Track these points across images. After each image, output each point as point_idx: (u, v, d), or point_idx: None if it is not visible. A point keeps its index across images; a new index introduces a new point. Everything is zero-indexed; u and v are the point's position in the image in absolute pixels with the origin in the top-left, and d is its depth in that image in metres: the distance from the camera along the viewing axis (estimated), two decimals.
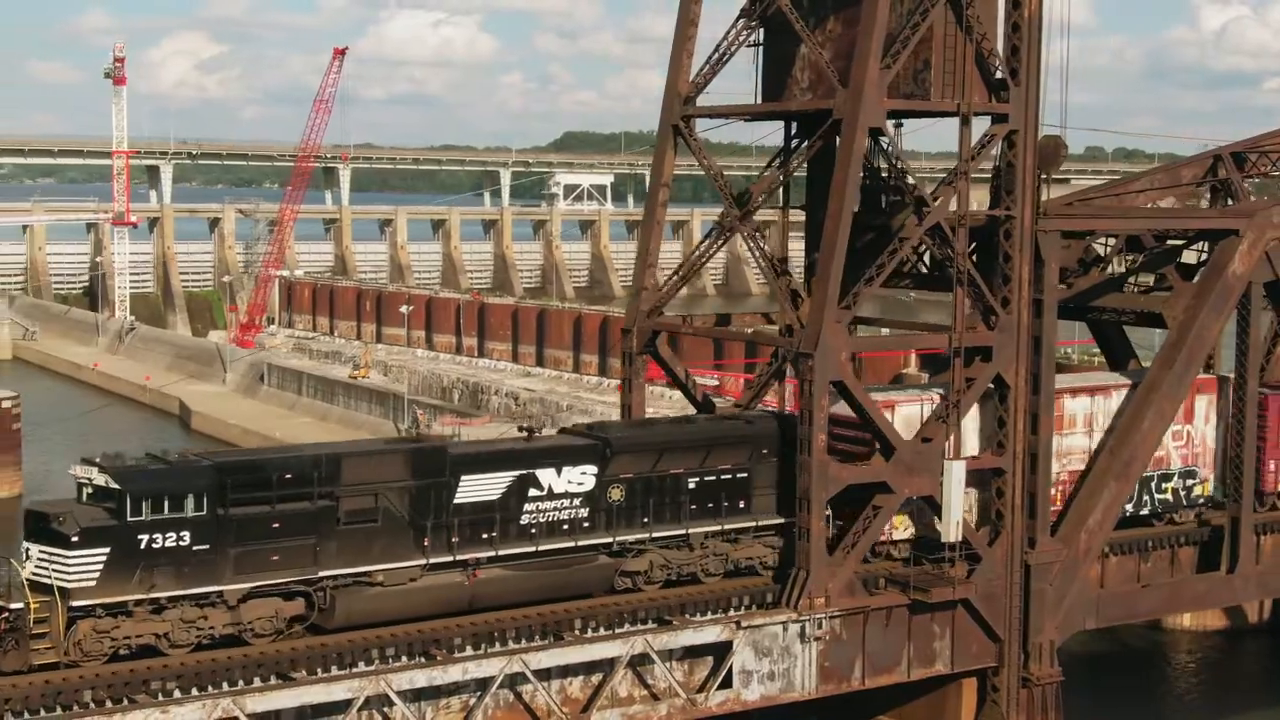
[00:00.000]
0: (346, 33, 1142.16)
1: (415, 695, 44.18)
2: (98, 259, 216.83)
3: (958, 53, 50.87)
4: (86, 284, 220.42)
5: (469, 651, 45.40)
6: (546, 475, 47.52)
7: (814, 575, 49.07)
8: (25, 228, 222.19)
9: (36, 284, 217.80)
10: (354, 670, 43.62)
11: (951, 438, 51.33)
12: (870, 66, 48.99)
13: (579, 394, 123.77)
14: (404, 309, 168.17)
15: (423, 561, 45.59)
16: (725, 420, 53.41)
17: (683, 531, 49.53)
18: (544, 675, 45.92)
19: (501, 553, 46.71)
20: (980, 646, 52.69)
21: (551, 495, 47.58)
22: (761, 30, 55.28)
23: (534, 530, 47.32)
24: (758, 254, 54.42)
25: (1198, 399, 57.34)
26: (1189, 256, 59.37)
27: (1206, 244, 58.20)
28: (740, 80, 56.55)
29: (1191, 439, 57.77)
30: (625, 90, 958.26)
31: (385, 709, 43.64)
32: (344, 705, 42.78)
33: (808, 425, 48.88)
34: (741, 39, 54.59)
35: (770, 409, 57.65)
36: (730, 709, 48.73)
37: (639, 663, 47.22)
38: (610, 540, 48.50)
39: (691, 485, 49.67)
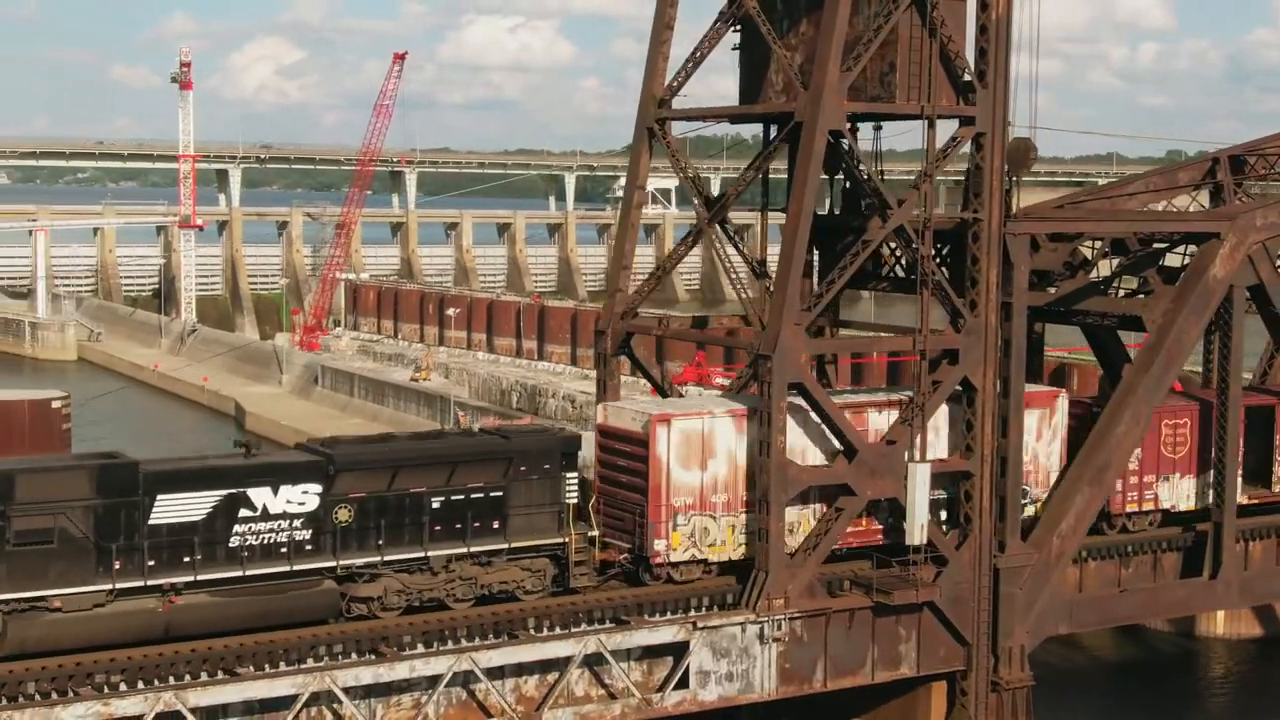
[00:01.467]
0: (424, 38, 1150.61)
1: (365, 692, 44.51)
2: (161, 260, 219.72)
3: (923, 55, 50.81)
4: (156, 286, 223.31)
5: (420, 649, 45.81)
6: (260, 495, 44.58)
7: (773, 576, 49.18)
8: (96, 230, 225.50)
9: (106, 286, 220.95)
10: (299, 666, 44.09)
11: (917, 440, 51.27)
12: (830, 69, 49.08)
13: (635, 398, 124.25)
14: (450, 312, 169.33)
15: (109, 586, 42.69)
16: (475, 436, 51.24)
17: (421, 554, 46.80)
18: (497, 673, 46.19)
19: (203, 577, 43.80)
20: (948, 650, 52.60)
21: (267, 516, 44.68)
22: (741, 33, 55.44)
23: (245, 553, 44.39)
24: (723, 256, 54.49)
25: (1026, 415, 53.73)
26: (1177, 260, 58.81)
27: (1192, 248, 57.68)
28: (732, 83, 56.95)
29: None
30: (702, 93, 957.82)
31: (335, 705, 44.09)
32: (291, 701, 43.27)
33: (766, 427, 48.97)
34: (716, 42, 54.72)
35: (536, 425, 54.98)
36: (687, 709, 48.90)
37: (596, 662, 47.47)
38: (334, 564, 45.71)
39: (435, 505, 46.92)
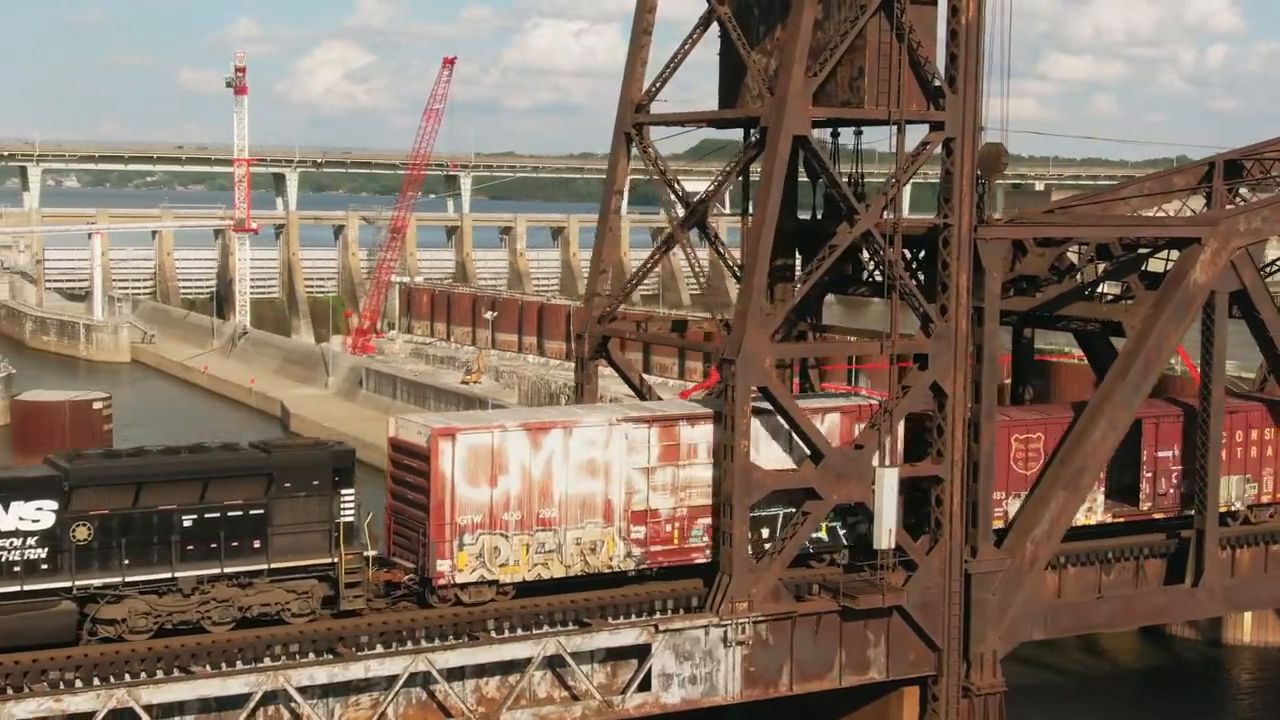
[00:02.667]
0: (489, 42, 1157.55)
1: (323, 691, 44.92)
2: (218, 263, 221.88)
3: (893, 60, 50.87)
4: (213, 289, 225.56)
5: (379, 650, 46.24)
6: None
7: (736, 580, 49.34)
8: (155, 233, 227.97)
9: (164, 289, 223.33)
10: (255, 665, 44.60)
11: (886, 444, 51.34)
12: (794, 75, 49.25)
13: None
14: (488, 315, 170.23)
15: None
16: (232, 450, 47.69)
17: (169, 575, 44.27)
18: (457, 674, 46.57)
19: None
20: (918, 655, 52.59)
21: None
22: (721, 38, 55.68)
23: None
24: (693, 261, 54.77)
25: (858, 427, 52.19)
26: (1163, 266, 58.57)
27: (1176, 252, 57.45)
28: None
29: None
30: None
31: (292, 704, 44.56)
32: (246, 699, 43.77)
33: (730, 431, 49.17)
34: (693, 47, 55.03)
35: (313, 440, 52.06)
36: (649, 711, 49.10)
37: (558, 664, 47.77)
38: (70, 585, 43.34)
39: (186, 523, 44.44)
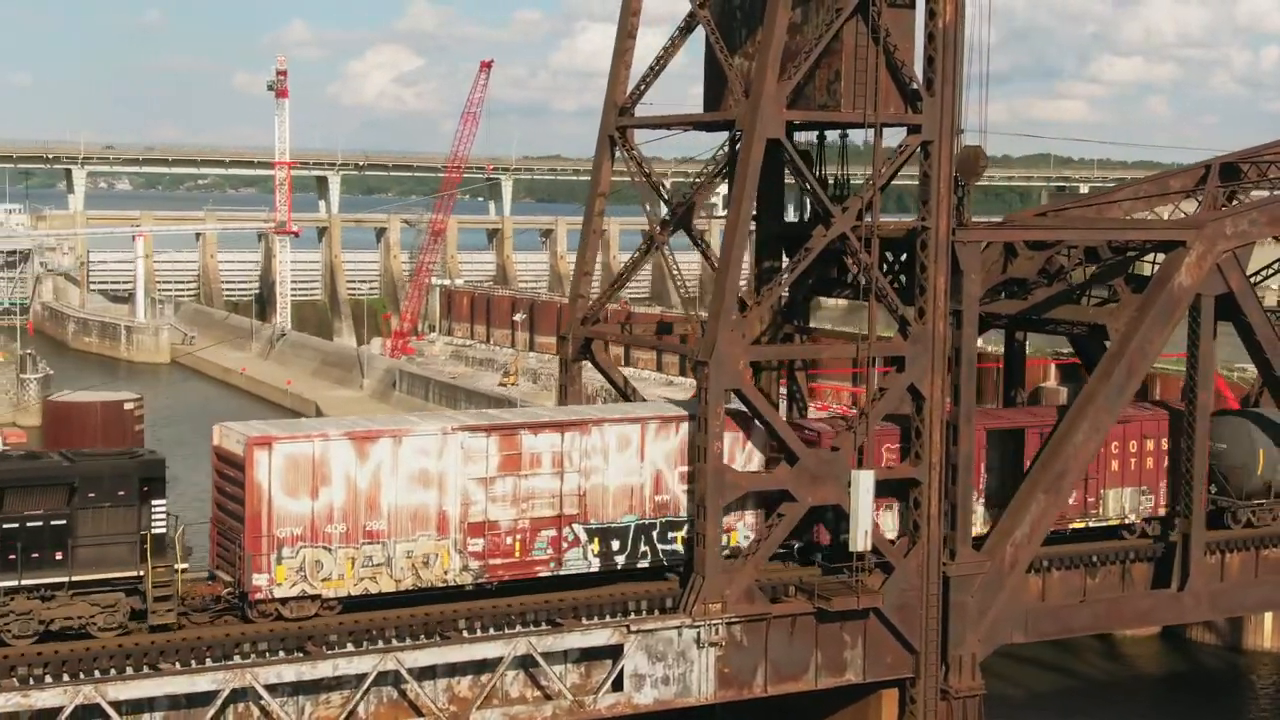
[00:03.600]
0: (539, 45, 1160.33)
1: (293, 690, 45.26)
2: (261, 265, 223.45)
3: (869, 64, 50.96)
4: (256, 291, 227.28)
5: (350, 648, 46.60)
6: None
7: (709, 581, 49.50)
8: (199, 236, 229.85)
9: (208, 290, 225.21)
10: (223, 663, 45.01)
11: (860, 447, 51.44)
12: (768, 78, 49.41)
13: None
14: (517, 317, 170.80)
15: None
16: (34, 460, 46.40)
17: None
18: (429, 673, 46.85)
19: None
20: (895, 657, 52.61)
21: None
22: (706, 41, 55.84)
23: None
24: (670, 265, 54.95)
25: (730, 436, 50.81)
26: (1151, 269, 58.46)
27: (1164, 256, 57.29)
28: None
29: None
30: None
31: (262, 702, 44.97)
32: (215, 696, 44.20)
33: (704, 432, 49.36)
34: (676, 50, 55.26)
35: (122, 450, 50.47)
36: (621, 712, 49.33)
37: (531, 663, 48.03)
38: None
39: None
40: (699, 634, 49.52)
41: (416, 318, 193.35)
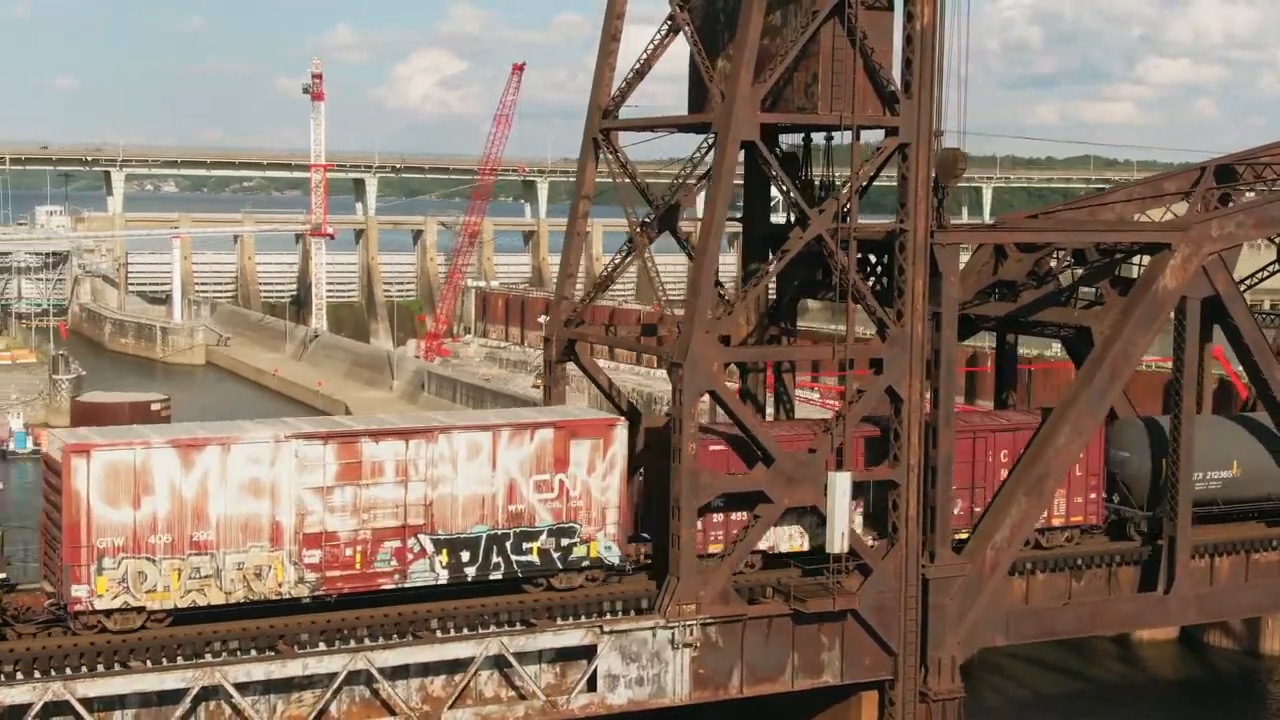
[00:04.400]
0: (580, 48, 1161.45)
1: (265, 688, 45.63)
2: (298, 267, 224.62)
3: (847, 66, 50.98)
4: (294, 293, 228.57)
5: (322, 647, 46.87)
6: None
7: (683, 582, 49.61)
8: (237, 238, 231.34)
9: (246, 292, 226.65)
10: (195, 661, 45.34)
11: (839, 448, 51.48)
12: (742, 80, 49.50)
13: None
14: (541, 319, 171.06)
15: None
16: None
17: None
18: (402, 672, 47.12)
19: None
20: (874, 659, 52.59)
21: None
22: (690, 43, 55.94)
23: None
24: (650, 266, 55.12)
25: (574, 444, 49.61)
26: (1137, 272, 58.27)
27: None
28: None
29: (567, 490, 49.70)
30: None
31: (233, 699, 45.32)
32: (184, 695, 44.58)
33: (678, 434, 49.48)
34: (661, 53, 55.36)
35: None
36: (594, 712, 49.51)
37: (505, 664, 48.23)
38: None
39: None
40: (673, 635, 49.63)
41: (451, 319, 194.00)
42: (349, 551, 47.19)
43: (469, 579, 48.81)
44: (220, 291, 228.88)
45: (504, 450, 49.03)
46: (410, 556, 48.00)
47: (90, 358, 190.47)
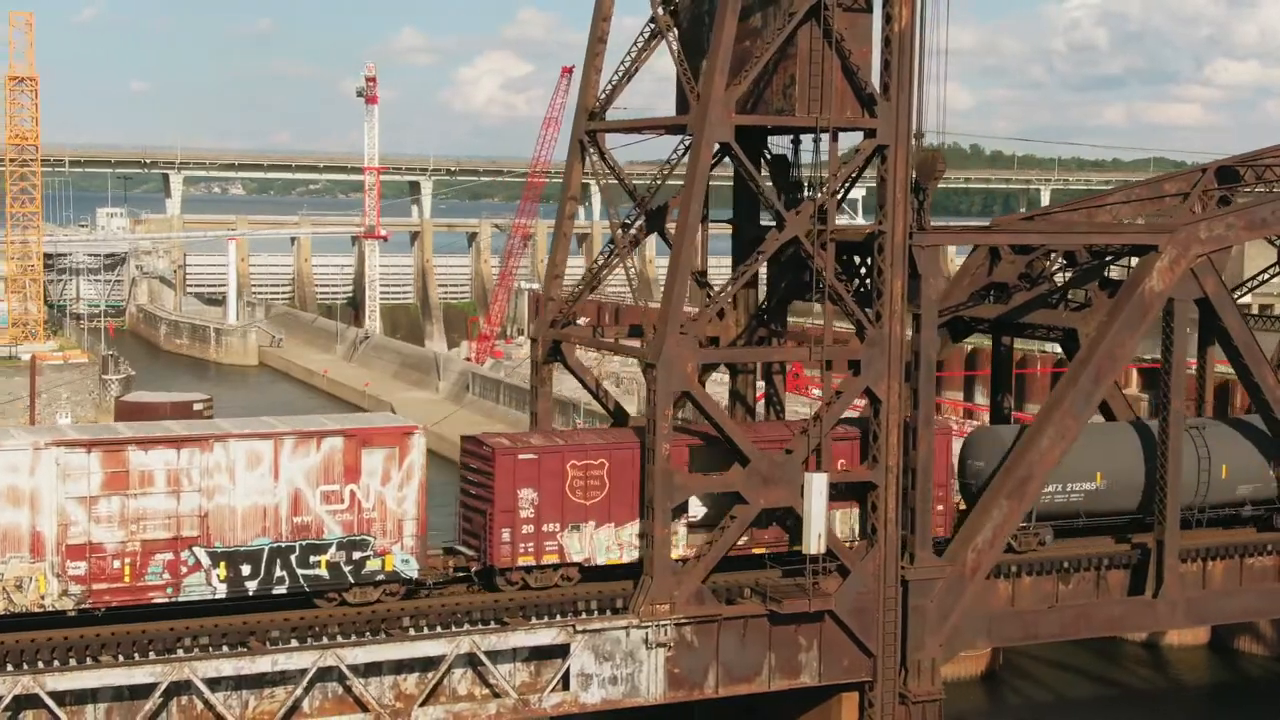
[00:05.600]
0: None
1: (236, 684, 46.13)
2: (354, 269, 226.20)
3: (824, 68, 51.07)
4: (350, 295, 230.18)
5: (294, 644, 47.34)
6: None
7: (657, 582, 49.82)
8: (294, 240, 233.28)
9: (302, 294, 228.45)
10: (166, 656, 45.89)
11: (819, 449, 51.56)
12: (715, 82, 49.69)
13: (795, 408, 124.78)
14: (580, 321, 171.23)
15: None
16: None
17: None
18: (374, 670, 47.56)
19: None
20: (852, 660, 52.58)
21: None
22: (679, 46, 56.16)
23: None
24: (627, 267, 55.41)
25: (366, 453, 48.04)
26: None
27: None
28: None
29: (359, 501, 47.97)
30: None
31: (203, 695, 45.82)
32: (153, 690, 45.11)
33: (652, 434, 49.71)
34: (649, 54, 55.64)
35: None
36: (567, 710, 49.83)
37: (479, 662, 48.57)
38: None
39: None
40: (647, 635, 49.82)
41: (503, 321, 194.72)
42: (117, 564, 45.55)
43: (250, 593, 47.07)
44: (277, 293, 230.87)
45: (288, 459, 47.21)
46: (184, 570, 46.32)
47: (146, 358, 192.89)
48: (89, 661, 45.22)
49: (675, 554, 50.80)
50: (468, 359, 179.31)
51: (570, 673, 49.22)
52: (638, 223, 56.52)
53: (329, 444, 47.55)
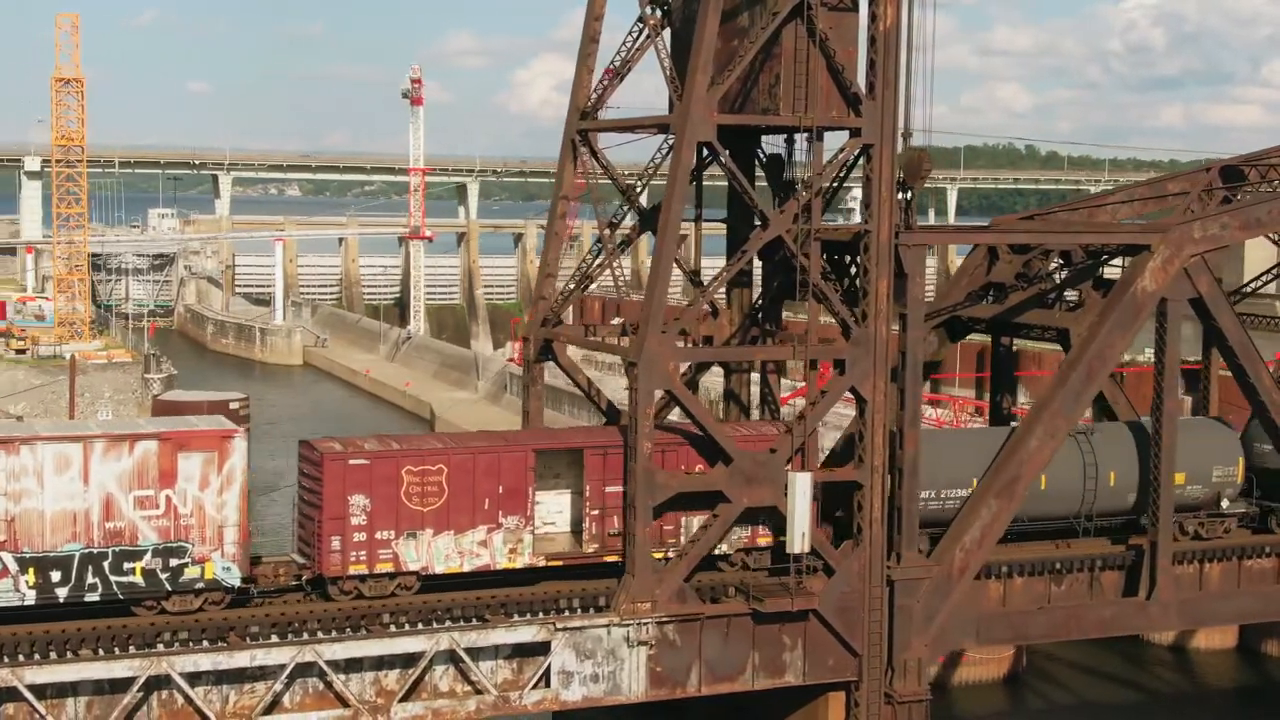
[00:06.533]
0: None
1: (217, 679, 46.53)
2: (401, 270, 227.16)
3: (809, 67, 51.06)
4: (397, 295, 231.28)
5: (274, 639, 47.69)
6: None
7: (638, 581, 49.91)
8: (341, 241, 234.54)
9: (349, 295, 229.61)
10: (146, 651, 46.30)
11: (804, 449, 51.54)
12: (697, 82, 49.76)
13: (838, 409, 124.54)
14: (615, 321, 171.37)
15: None
16: None
17: None
18: (355, 665, 47.88)
19: None
20: (838, 660, 52.49)
21: None
22: (672, 44, 56.28)
23: None
24: (613, 266, 55.53)
25: (183, 457, 46.60)
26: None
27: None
28: None
29: (175, 507, 46.61)
30: (980, 103, 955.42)
31: (182, 689, 46.22)
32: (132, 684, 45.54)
33: (634, 433, 49.83)
34: (640, 54, 55.74)
35: None
36: (548, 708, 50.02)
37: (459, 659, 48.80)
38: None
39: None
40: (628, 633, 49.90)
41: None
42: None
43: (60, 600, 45.93)
44: (325, 294, 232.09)
45: (98, 463, 46.00)
46: None
47: (193, 358, 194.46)
48: (69, 655, 45.70)
49: (517, 562, 50.51)
50: (510, 359, 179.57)
51: (551, 670, 49.34)
52: (628, 221, 56.37)
53: (143, 447, 46.37)
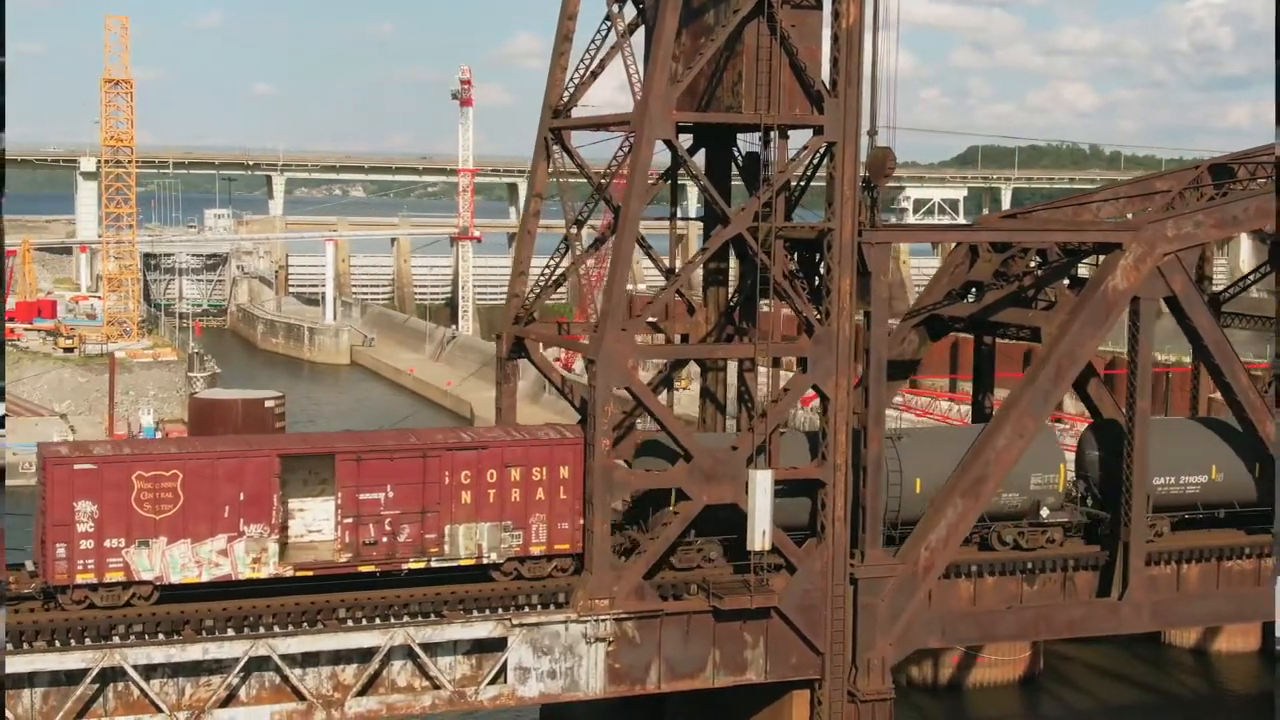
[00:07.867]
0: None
1: (173, 671, 47.05)
2: (452, 270, 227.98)
3: (771, 65, 51.01)
4: (448, 295, 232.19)
5: (230, 633, 48.12)
6: None
7: (596, 577, 50.02)
8: (393, 241, 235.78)
9: (401, 294, 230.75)
10: (102, 643, 46.80)
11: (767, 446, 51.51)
12: (655, 79, 49.83)
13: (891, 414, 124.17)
14: (650, 320, 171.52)
15: None
16: None
17: None
18: (312, 660, 48.28)
19: None
20: (800, 658, 52.42)
21: None
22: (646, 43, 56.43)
23: None
24: (585, 269, 55.64)
25: None
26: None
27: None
28: None
29: None
30: (1046, 103, 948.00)
31: (138, 681, 46.70)
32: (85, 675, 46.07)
33: (592, 430, 49.96)
34: (615, 52, 55.84)
35: None
36: (504, 704, 50.22)
37: (417, 654, 49.07)
38: None
39: None
40: (586, 629, 50.02)
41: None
42: None
43: None
44: (377, 293, 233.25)
45: None
46: None
47: (243, 357, 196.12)
48: (24, 647, 46.25)
49: (261, 572, 48.78)
50: (557, 360, 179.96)
51: (508, 666, 49.51)
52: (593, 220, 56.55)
53: None
